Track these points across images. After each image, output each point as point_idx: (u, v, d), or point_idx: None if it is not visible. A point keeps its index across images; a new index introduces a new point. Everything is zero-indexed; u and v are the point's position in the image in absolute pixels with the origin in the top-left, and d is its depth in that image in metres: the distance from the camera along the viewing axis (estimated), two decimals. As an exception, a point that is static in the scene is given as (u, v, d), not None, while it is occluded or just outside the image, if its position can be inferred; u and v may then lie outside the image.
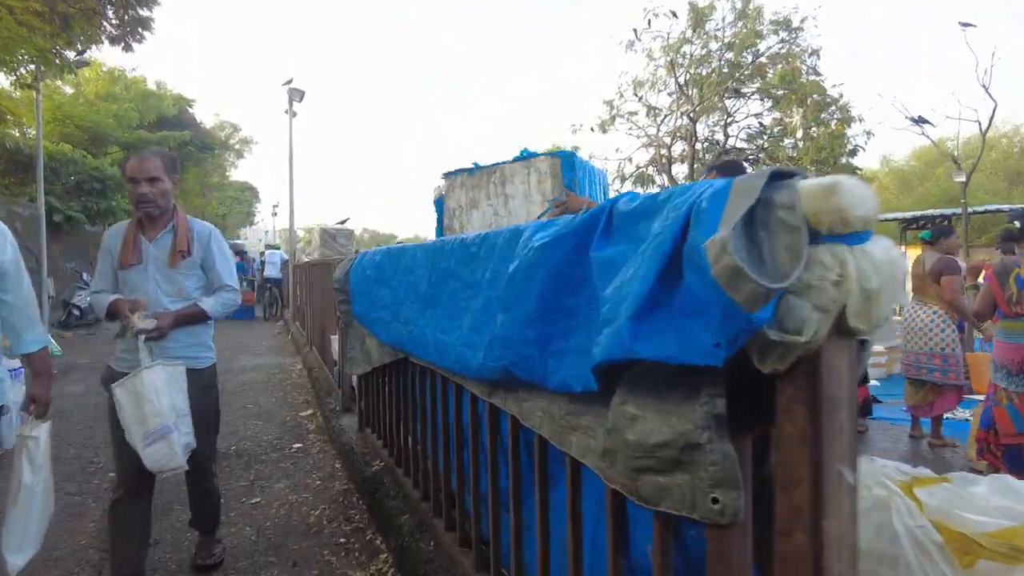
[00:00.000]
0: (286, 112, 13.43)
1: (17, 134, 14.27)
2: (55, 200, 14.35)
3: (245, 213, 47.92)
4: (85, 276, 14.15)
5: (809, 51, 17.65)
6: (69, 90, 18.50)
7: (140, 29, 10.01)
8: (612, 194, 4.02)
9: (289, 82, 13.65)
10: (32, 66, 11.80)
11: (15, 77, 12.17)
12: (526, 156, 4.22)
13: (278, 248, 16.29)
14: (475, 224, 4.50)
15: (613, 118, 23.45)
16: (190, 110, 26.97)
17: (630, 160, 24.38)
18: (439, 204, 4.87)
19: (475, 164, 4.60)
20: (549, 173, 4.09)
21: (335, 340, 5.86)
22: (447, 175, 4.79)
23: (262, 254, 19.10)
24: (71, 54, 11.44)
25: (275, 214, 46.08)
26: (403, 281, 2.67)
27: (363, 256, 3.79)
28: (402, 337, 2.67)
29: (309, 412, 5.92)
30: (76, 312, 13.30)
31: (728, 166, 3.13)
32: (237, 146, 37.05)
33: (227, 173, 39.94)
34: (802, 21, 17.71)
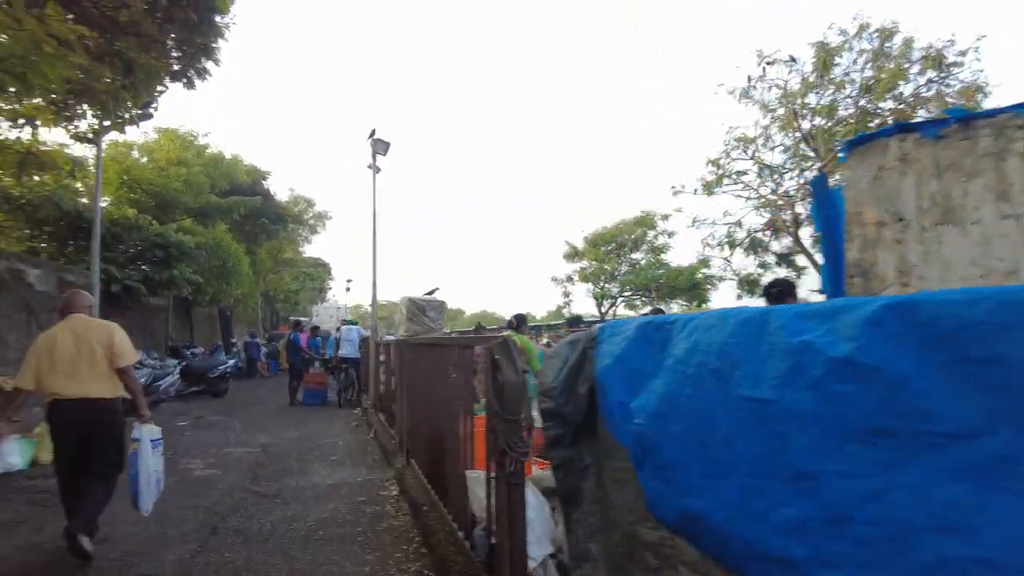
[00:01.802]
0: (369, 167, 11.66)
1: (85, 200, 12.97)
2: (114, 268, 12.81)
3: (317, 289, 47.30)
4: (141, 355, 12.38)
5: (973, 87, 14.87)
6: (138, 155, 17.57)
7: (203, 59, 8.48)
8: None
9: (373, 134, 11.93)
10: (93, 119, 10.42)
11: (75, 129, 10.78)
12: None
13: (355, 323, 14.26)
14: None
15: (720, 178, 21.02)
16: (264, 183, 26.22)
17: (739, 224, 21.74)
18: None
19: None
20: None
21: (475, 479, 3.37)
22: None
23: (337, 330, 17.10)
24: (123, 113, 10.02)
25: (348, 289, 45.27)
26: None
27: (647, 327, 1.50)
28: None
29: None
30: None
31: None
32: (311, 221, 36.39)
33: (300, 249, 39.38)
34: (962, 54, 15.08)
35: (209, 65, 8.83)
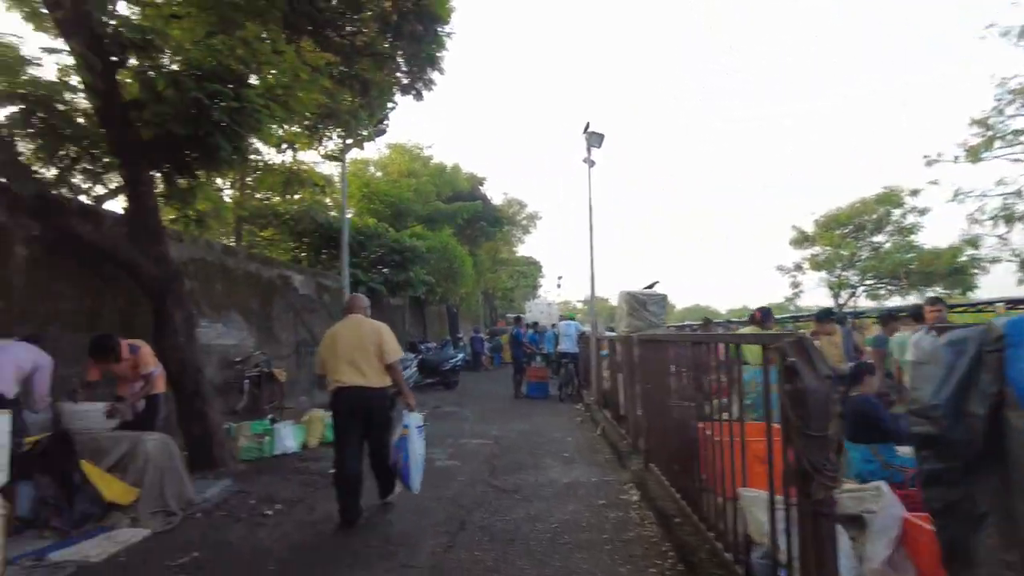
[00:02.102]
0: (584, 161, 11.50)
1: (334, 213, 14.62)
2: (360, 272, 14.17)
3: (530, 287, 48.95)
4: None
5: None
6: (374, 170, 19.41)
7: (429, 69, 8.94)
8: None
9: (587, 128, 11.74)
10: (338, 139, 11.57)
11: (324, 150, 12.08)
12: None
13: (573, 318, 14.27)
14: None
15: (990, 141, 17.59)
16: (481, 188, 27.62)
17: (1020, 195, 18.00)
18: None
19: None
20: None
21: (752, 498, 2.87)
22: None
23: (554, 326, 17.31)
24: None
25: (559, 286, 46.34)
26: None
27: None
28: None
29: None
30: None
31: None
32: (524, 222, 37.69)
33: (514, 249, 41.02)
34: None
35: (434, 75, 9.30)
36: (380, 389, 4.77)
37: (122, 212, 6.37)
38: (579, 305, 76.74)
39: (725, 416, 3.56)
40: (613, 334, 11.35)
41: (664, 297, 10.06)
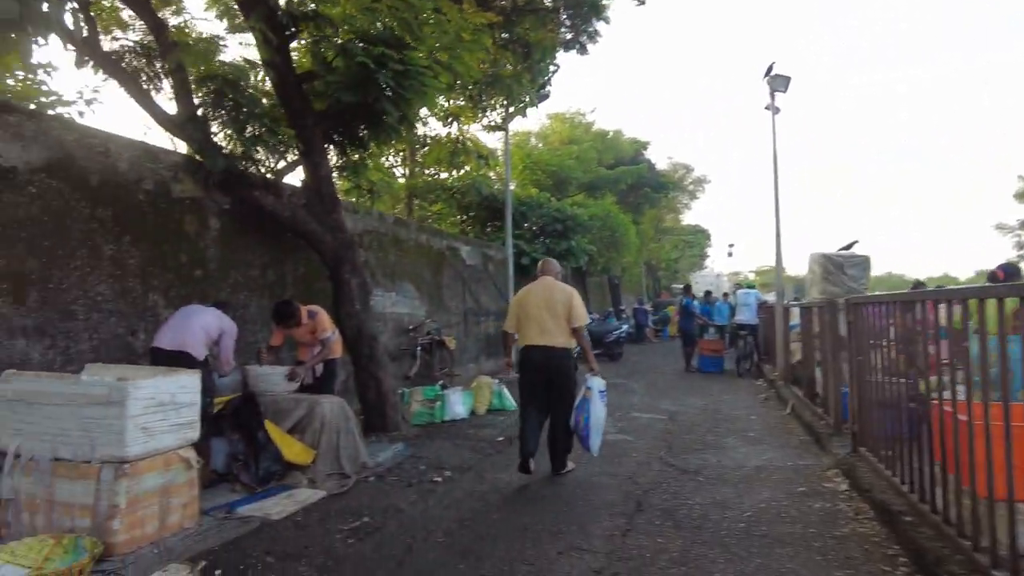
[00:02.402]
0: (767, 108, 10.31)
1: (497, 186, 14.65)
2: (523, 243, 14.09)
3: (697, 256, 46.70)
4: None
5: None
6: (535, 142, 19.20)
7: (594, 20, 8.39)
8: None
9: (770, 70, 10.50)
10: (500, 109, 11.43)
11: (487, 121, 12.01)
12: None
13: (752, 286, 13.08)
14: None
15: None
16: (644, 153, 26.47)
17: None
18: None
19: None
20: None
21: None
22: None
23: (726, 295, 16.12)
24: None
25: (730, 254, 43.55)
26: None
27: None
28: None
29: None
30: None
31: None
32: (690, 187, 35.80)
33: (680, 216, 39.24)
34: None
35: (599, 25, 8.76)
36: (565, 350, 4.88)
37: (300, 185, 6.62)
38: (751, 276, 72.03)
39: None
40: (798, 303, 10.18)
41: (866, 260, 8.77)
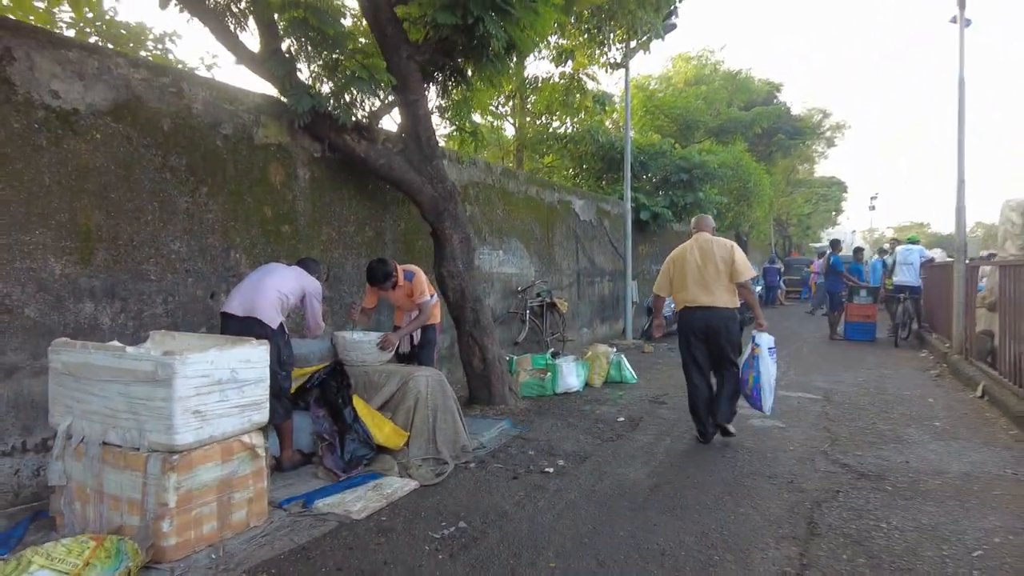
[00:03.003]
0: (952, 20, 8.39)
1: (611, 128, 13.38)
2: (643, 196, 12.85)
3: (831, 211, 42.63)
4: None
5: None
6: (656, 85, 17.54)
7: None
8: None
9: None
10: (620, 44, 10.17)
11: (605, 58, 10.78)
12: None
13: (917, 241, 11.14)
14: None
15: None
16: (777, 96, 23.86)
17: None
18: None
19: None
20: None
21: None
22: None
23: (883, 252, 14.09)
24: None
25: (872, 207, 39.22)
26: None
27: None
28: None
29: None
30: (659, 322, 11.36)
31: None
32: (828, 133, 32.31)
33: (815, 165, 35.71)
34: None
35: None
36: (730, 310, 4.66)
37: (397, 129, 5.91)
38: (888, 232, 65.22)
39: None
40: (991, 260, 8.39)
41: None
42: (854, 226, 60.14)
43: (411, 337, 4.99)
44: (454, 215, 5.72)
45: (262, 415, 3.24)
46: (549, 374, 6.52)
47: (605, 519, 3.33)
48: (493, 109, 11.55)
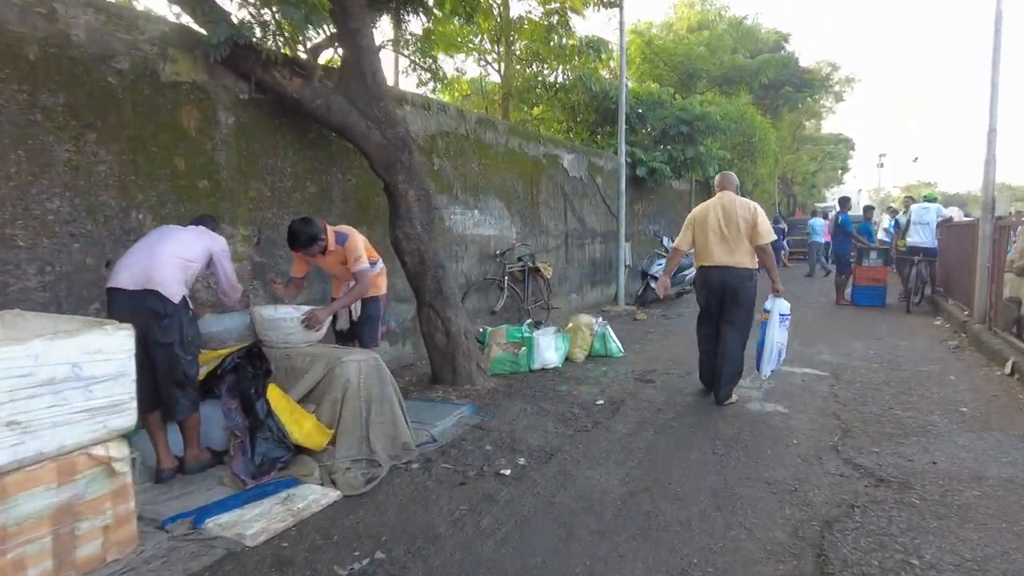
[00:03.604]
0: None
1: (608, 76, 12.37)
2: (639, 151, 11.97)
3: (838, 169, 41.45)
4: (666, 242, 11.44)
5: None
6: (658, 32, 16.38)
7: None
8: None
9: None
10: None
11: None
12: None
13: (934, 200, 10.28)
14: None
15: None
16: (785, 46, 22.58)
17: None
18: None
19: None
20: None
21: None
22: None
23: (892, 212, 13.24)
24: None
25: (881, 165, 37.93)
26: None
27: None
28: None
29: None
30: (654, 286, 10.62)
31: None
32: (836, 87, 30.95)
33: (822, 120, 34.42)
34: None
35: None
36: (748, 271, 4.64)
37: (340, 65, 5.07)
38: (894, 191, 63.59)
39: None
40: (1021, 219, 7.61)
41: None
42: (861, 185, 58.69)
43: (350, 312, 4.26)
44: (408, 167, 4.94)
45: (125, 418, 2.54)
46: (524, 348, 5.82)
47: (561, 546, 2.65)
48: (475, 53, 10.57)
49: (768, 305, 4.69)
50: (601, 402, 4.83)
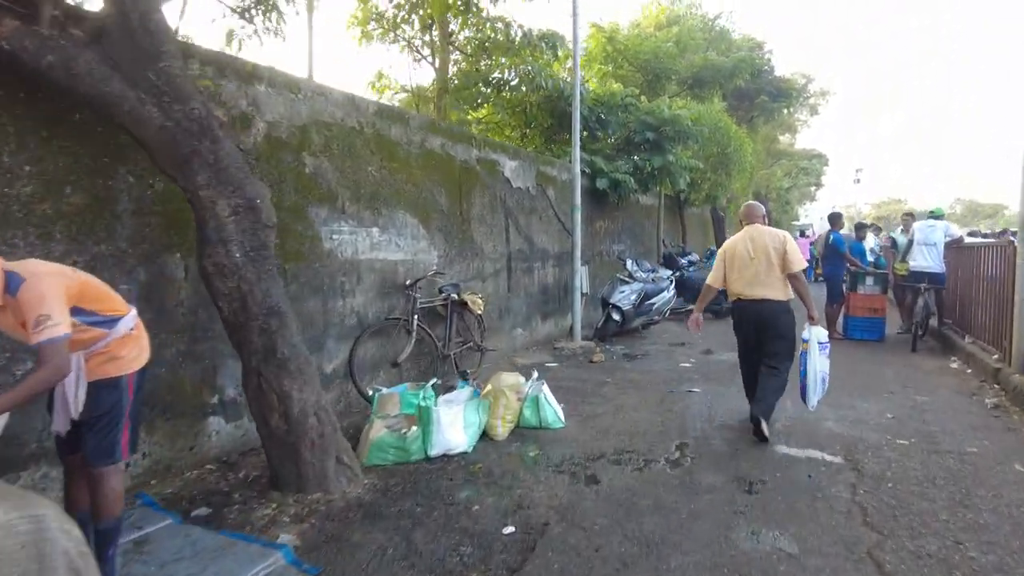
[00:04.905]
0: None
1: (564, 75, 10.75)
2: (600, 161, 10.36)
3: (812, 185, 40.60)
4: (631, 265, 9.82)
5: None
6: (626, 33, 14.90)
7: None
8: None
9: None
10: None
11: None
12: None
13: (941, 216, 8.81)
14: None
15: None
16: (760, 53, 21.33)
17: None
18: None
19: None
20: None
21: None
22: None
23: (859, 228, 11.67)
24: None
25: (858, 180, 37.00)
26: None
27: None
28: None
29: None
30: (616, 318, 8.98)
31: None
32: (812, 100, 30.03)
33: (795, 135, 33.44)
34: None
35: None
36: (784, 303, 4.55)
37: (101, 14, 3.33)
38: (866, 209, 63.36)
39: None
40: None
41: None
42: (835, 201, 58.26)
43: (70, 406, 2.47)
44: (214, 163, 3.20)
45: None
46: (414, 428, 4.08)
47: None
48: (403, 40, 8.85)
49: (806, 335, 4.58)
50: (511, 530, 3.10)
